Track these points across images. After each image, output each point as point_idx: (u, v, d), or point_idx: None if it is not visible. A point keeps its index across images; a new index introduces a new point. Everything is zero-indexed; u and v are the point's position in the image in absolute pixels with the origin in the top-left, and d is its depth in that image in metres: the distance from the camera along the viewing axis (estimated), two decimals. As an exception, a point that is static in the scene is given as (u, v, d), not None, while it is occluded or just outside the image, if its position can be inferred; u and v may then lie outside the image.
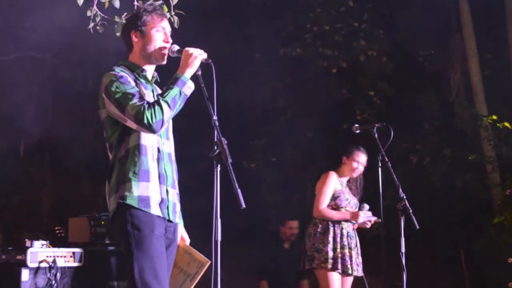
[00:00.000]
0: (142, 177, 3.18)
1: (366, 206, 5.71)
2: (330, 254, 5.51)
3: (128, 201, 3.14)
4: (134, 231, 3.12)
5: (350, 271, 5.55)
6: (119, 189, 3.18)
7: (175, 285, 3.47)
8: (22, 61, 11.11)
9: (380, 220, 5.56)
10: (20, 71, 10.81)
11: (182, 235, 3.55)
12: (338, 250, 5.54)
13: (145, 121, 3.06)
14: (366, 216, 5.66)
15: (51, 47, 10.78)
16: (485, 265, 8.64)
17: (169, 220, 3.29)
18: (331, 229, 5.61)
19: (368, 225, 5.72)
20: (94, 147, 11.29)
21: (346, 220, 5.67)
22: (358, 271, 5.65)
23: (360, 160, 5.87)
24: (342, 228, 5.64)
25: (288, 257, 7.64)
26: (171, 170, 3.35)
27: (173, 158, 3.43)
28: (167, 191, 3.28)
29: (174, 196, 3.35)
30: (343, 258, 5.54)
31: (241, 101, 9.86)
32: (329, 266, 5.50)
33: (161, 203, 3.23)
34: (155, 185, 3.22)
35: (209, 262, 3.19)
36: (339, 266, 5.51)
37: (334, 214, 5.65)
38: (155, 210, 3.19)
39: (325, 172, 5.90)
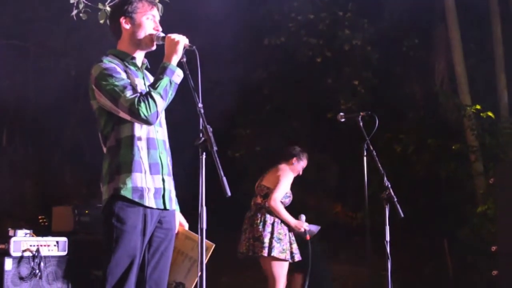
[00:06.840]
0: (136, 168, 3.16)
1: (303, 217, 5.89)
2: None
3: (122, 193, 3.12)
4: (117, 223, 3.12)
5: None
6: (114, 179, 3.16)
7: (182, 271, 3.47)
8: (4, 49, 11.00)
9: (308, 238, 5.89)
10: (2, 60, 10.70)
11: (180, 221, 3.56)
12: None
13: (141, 114, 3.06)
14: (307, 226, 5.87)
15: (34, 36, 10.69)
16: (468, 253, 8.71)
17: (165, 208, 3.27)
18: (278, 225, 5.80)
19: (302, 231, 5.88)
20: (77, 136, 11.23)
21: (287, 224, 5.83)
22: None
23: (304, 166, 6.16)
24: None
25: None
26: (166, 158, 3.33)
27: (167, 145, 3.40)
28: (163, 179, 3.26)
29: (170, 183, 3.33)
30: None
31: (225, 90, 9.83)
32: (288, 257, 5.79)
33: (156, 193, 3.21)
34: (148, 176, 3.20)
35: (213, 245, 3.17)
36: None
37: (283, 213, 5.78)
38: (149, 201, 3.17)
39: (284, 162, 6.06)
